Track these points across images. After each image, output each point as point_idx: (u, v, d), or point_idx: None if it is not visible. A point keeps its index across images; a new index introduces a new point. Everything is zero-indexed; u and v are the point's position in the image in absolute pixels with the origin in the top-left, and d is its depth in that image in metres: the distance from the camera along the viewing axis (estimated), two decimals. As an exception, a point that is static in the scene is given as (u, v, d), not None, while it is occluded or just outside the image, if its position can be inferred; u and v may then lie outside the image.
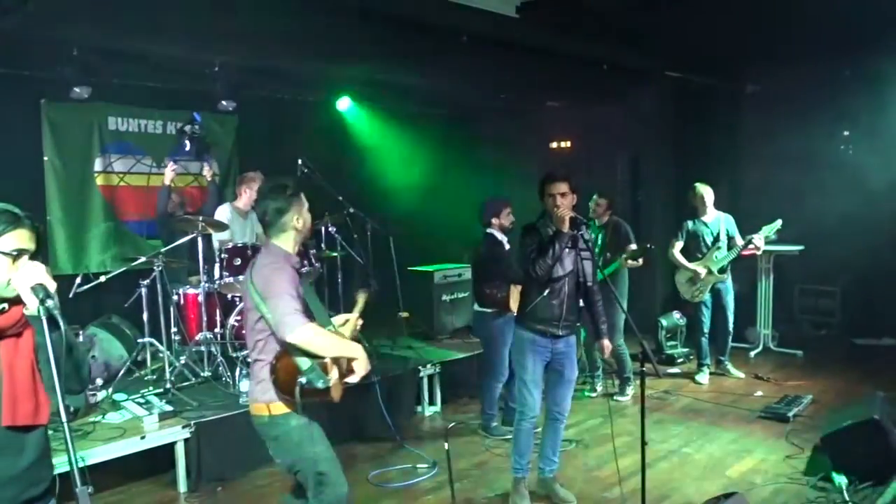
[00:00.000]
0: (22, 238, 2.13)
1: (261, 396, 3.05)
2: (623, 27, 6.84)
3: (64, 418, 2.18)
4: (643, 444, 3.66)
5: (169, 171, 6.10)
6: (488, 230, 5.38)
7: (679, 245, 6.72)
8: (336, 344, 2.98)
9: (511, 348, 4.68)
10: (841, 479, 4.27)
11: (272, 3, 5.15)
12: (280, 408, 3.01)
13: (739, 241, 6.52)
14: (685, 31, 6.88)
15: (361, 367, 2.97)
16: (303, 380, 2.87)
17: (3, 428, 2.16)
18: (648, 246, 6.25)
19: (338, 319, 3.33)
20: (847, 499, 4.09)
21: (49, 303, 2.17)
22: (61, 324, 2.18)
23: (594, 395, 6.48)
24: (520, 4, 6.39)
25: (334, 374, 2.92)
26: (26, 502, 2.28)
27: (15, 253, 2.11)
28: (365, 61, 6.56)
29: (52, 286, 2.34)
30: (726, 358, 6.95)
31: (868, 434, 4.33)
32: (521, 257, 4.16)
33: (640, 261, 6.13)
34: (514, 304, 5.21)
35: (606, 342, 4.28)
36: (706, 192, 6.62)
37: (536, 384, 4.16)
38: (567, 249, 4.02)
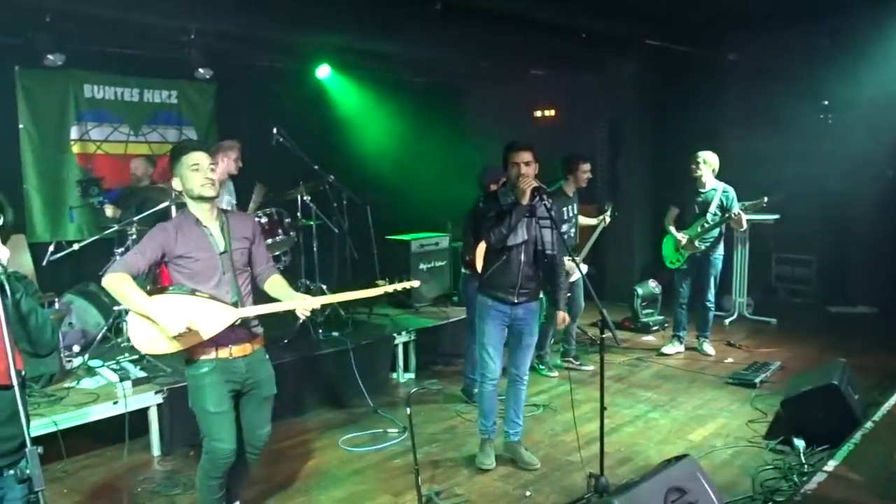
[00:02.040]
0: None
1: None
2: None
3: (15, 381, 2.25)
4: (602, 409, 3.75)
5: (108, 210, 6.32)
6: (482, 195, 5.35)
7: (674, 212, 6.64)
8: (135, 301, 3.00)
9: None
10: (800, 443, 4.39)
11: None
12: (193, 353, 3.21)
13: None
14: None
15: (168, 328, 2.98)
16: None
17: None
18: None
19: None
20: (803, 461, 4.20)
21: (-4, 270, 2.24)
22: (7, 291, 2.24)
23: (554, 374, 6.24)
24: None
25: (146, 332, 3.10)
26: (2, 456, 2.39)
27: None
28: (339, 29, 6.50)
29: (3, 255, 2.40)
30: (704, 335, 6.80)
31: (826, 399, 4.45)
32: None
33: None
34: (479, 264, 5.23)
35: (562, 314, 4.36)
36: (702, 159, 6.45)
37: (496, 348, 4.24)
38: (524, 218, 4.05)
